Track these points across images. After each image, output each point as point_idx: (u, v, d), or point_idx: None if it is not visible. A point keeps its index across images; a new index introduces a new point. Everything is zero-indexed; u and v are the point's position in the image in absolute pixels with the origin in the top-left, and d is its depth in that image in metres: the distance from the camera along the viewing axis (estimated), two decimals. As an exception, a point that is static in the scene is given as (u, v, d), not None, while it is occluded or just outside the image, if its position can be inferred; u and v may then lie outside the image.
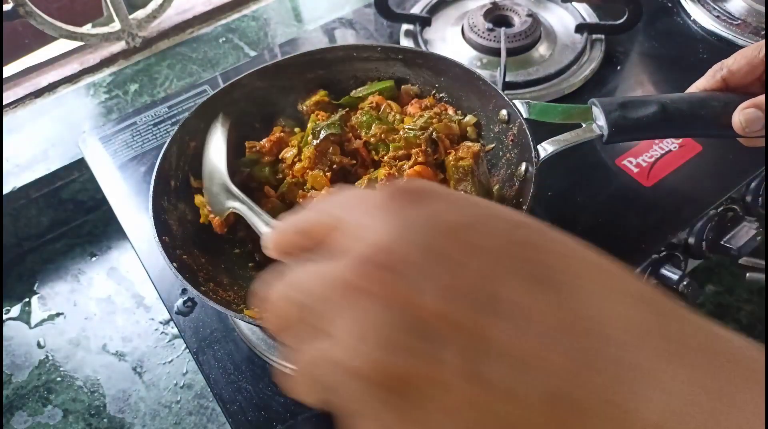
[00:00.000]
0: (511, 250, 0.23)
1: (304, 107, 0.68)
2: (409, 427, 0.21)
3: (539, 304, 0.21)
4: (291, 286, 0.25)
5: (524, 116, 0.58)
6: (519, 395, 0.20)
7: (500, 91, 0.61)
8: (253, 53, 0.96)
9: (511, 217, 0.24)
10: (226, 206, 0.55)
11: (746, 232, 0.69)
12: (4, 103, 0.90)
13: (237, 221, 0.59)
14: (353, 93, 0.69)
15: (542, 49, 0.85)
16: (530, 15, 0.85)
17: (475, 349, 0.21)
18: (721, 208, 0.69)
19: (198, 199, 0.61)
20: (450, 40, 0.88)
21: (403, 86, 0.69)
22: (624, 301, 0.22)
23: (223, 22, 1.02)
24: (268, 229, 0.48)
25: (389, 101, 0.67)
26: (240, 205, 0.53)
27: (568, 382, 0.20)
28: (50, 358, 0.73)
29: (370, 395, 0.22)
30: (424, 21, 0.89)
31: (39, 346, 0.74)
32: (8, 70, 0.93)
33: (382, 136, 0.61)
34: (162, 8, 0.95)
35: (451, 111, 0.66)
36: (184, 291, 0.65)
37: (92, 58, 0.95)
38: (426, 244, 0.22)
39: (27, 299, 0.79)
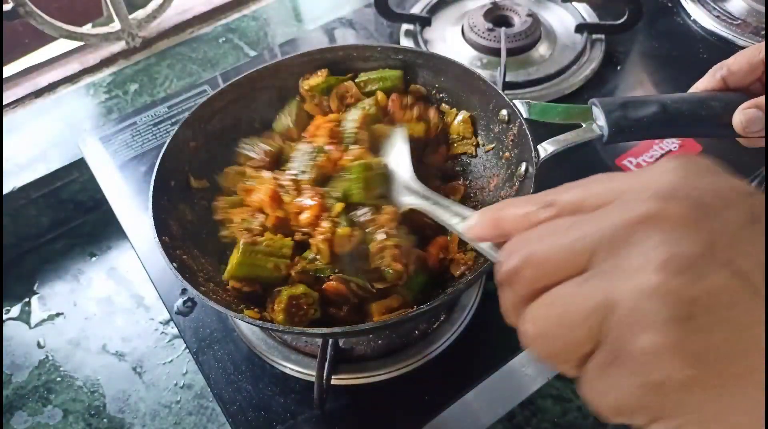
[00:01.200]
0: None
1: (302, 87, 0.67)
2: (715, 346, 0.21)
3: None
4: (544, 234, 0.25)
5: (524, 116, 0.58)
6: None
7: (500, 91, 0.61)
8: (253, 53, 0.96)
9: None
10: (406, 202, 0.53)
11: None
12: (4, 103, 0.90)
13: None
14: (361, 76, 0.68)
15: (542, 49, 0.85)
16: (530, 15, 0.85)
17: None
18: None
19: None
20: (450, 40, 0.88)
21: (411, 86, 0.68)
22: None
23: (223, 22, 1.02)
24: (466, 219, 0.40)
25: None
26: (419, 201, 0.50)
27: None
28: (50, 358, 0.73)
29: (658, 312, 0.21)
30: (424, 21, 0.89)
31: (39, 346, 0.74)
32: (8, 70, 0.93)
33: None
34: (162, 8, 0.95)
35: (433, 111, 0.66)
36: (184, 291, 0.65)
37: (92, 58, 0.95)
38: (734, 200, 0.23)
39: (27, 299, 0.79)
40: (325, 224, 0.54)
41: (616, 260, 0.22)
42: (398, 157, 0.58)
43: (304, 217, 0.56)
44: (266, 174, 0.60)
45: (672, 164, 0.25)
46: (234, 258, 0.55)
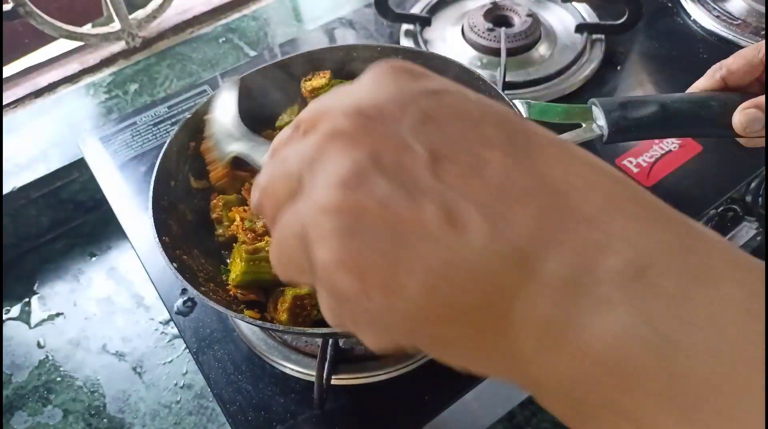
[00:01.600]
0: (495, 120, 0.23)
1: (305, 88, 0.67)
2: (375, 259, 0.21)
3: (516, 167, 0.21)
4: (274, 163, 0.25)
5: (524, 116, 0.58)
6: (489, 244, 0.20)
7: (500, 91, 0.61)
8: (253, 53, 0.96)
9: (499, 104, 0.25)
10: (228, 150, 0.53)
11: (746, 232, 0.69)
12: (4, 103, 0.90)
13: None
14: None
15: (542, 49, 0.85)
16: (530, 15, 0.85)
17: (454, 198, 0.21)
18: (721, 208, 0.69)
19: (206, 151, 0.60)
20: (450, 40, 0.88)
21: None
22: (597, 171, 0.22)
23: (223, 22, 1.02)
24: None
25: None
26: (242, 145, 0.50)
27: (535, 238, 0.20)
28: (50, 358, 0.73)
29: (327, 229, 0.21)
30: (424, 21, 0.89)
31: (39, 346, 0.74)
32: (8, 70, 0.93)
33: None
34: (162, 8, 0.95)
35: None
36: (184, 291, 0.65)
37: (92, 58, 0.95)
38: (409, 102, 0.23)
39: (27, 299, 0.79)
40: None
41: (310, 181, 0.22)
42: (223, 107, 0.58)
43: None
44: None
45: (368, 75, 0.25)
46: (237, 267, 0.54)
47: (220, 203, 0.61)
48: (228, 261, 0.60)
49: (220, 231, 0.60)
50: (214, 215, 0.61)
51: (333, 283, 0.22)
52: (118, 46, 0.96)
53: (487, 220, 0.20)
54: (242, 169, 0.62)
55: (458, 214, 0.20)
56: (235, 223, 0.59)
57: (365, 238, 0.21)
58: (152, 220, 0.53)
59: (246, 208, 0.60)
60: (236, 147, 0.52)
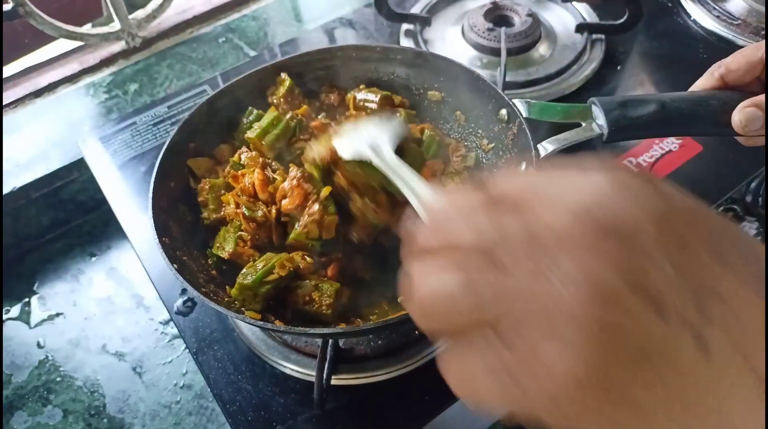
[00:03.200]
0: (738, 249, 0.22)
1: (275, 100, 0.67)
2: (618, 375, 0.20)
3: (751, 308, 0.21)
4: (456, 205, 0.24)
5: (524, 116, 0.58)
6: (741, 370, 0.20)
7: (500, 91, 0.61)
8: (253, 53, 0.96)
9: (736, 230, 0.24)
10: (364, 153, 0.51)
11: (746, 232, 0.69)
12: (4, 103, 0.90)
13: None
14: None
15: (542, 49, 0.85)
16: (530, 15, 0.85)
17: (702, 322, 0.20)
18: (721, 208, 0.69)
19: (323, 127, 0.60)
20: (450, 40, 0.88)
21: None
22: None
23: (223, 22, 1.02)
24: (427, 195, 0.39)
25: None
26: (381, 161, 0.48)
27: None
28: (50, 358, 0.73)
29: (583, 335, 0.20)
30: (424, 21, 0.89)
31: (39, 346, 0.74)
32: (8, 70, 0.93)
33: None
34: (162, 8, 0.95)
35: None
36: (184, 291, 0.65)
37: (92, 58, 0.95)
38: (659, 216, 0.21)
39: (27, 299, 0.79)
40: (315, 207, 0.56)
41: (531, 262, 0.21)
42: (383, 129, 0.56)
43: (290, 202, 0.57)
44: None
45: (600, 176, 0.23)
46: (245, 283, 0.55)
47: (207, 187, 0.62)
48: (209, 247, 0.60)
49: (205, 214, 0.61)
50: (200, 198, 0.62)
51: (566, 392, 0.21)
52: (118, 46, 0.96)
53: (737, 350, 0.20)
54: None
55: (709, 340, 0.20)
56: (230, 207, 0.59)
57: (621, 357, 0.20)
58: (152, 220, 0.53)
59: (239, 193, 0.60)
60: (374, 157, 0.50)
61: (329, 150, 0.55)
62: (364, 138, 0.54)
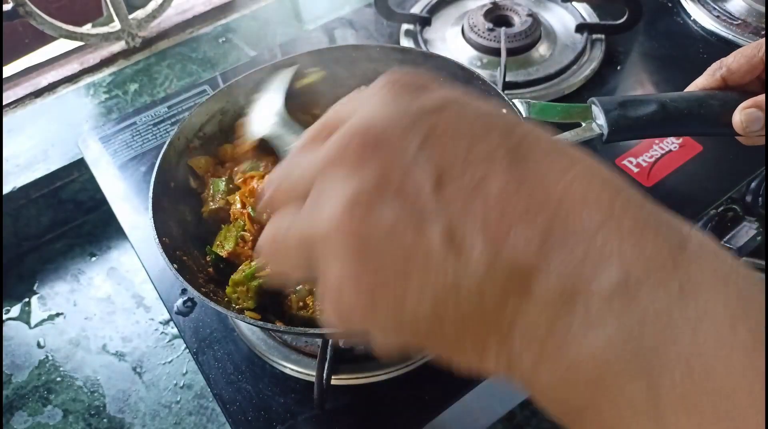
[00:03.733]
0: (498, 132, 0.23)
1: (240, 176, 0.64)
2: (383, 282, 0.23)
3: (518, 184, 0.22)
4: (291, 163, 0.27)
5: (524, 116, 0.58)
6: (490, 267, 0.21)
7: (500, 91, 0.61)
8: (253, 53, 0.96)
9: (500, 113, 0.25)
10: (260, 130, 0.54)
11: (746, 232, 0.69)
12: (4, 103, 0.90)
13: None
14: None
15: (542, 49, 0.85)
16: (530, 15, 0.85)
17: (457, 220, 0.22)
18: (721, 208, 0.69)
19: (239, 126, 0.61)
20: (450, 40, 0.88)
21: None
22: (598, 181, 0.23)
23: (223, 21, 1.02)
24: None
25: None
26: (276, 128, 0.50)
27: (532, 258, 0.21)
28: (50, 358, 0.73)
29: (340, 248, 0.23)
30: (424, 21, 0.89)
31: (39, 346, 0.74)
32: (8, 70, 0.93)
33: None
34: (162, 8, 0.95)
35: None
36: (184, 291, 0.65)
37: (92, 58, 0.95)
38: (410, 123, 0.23)
39: (27, 299, 0.79)
40: None
41: (319, 194, 0.24)
42: (274, 89, 0.58)
43: None
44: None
45: (373, 90, 0.25)
46: (236, 278, 0.55)
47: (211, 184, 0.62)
48: (208, 245, 0.60)
49: (205, 208, 0.61)
50: (204, 194, 0.62)
51: (341, 296, 0.23)
52: (118, 46, 0.96)
53: (488, 242, 0.21)
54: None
55: (461, 238, 0.21)
56: (236, 206, 0.59)
57: (374, 262, 0.22)
58: (152, 220, 0.53)
59: (248, 195, 0.60)
60: (270, 130, 0.52)
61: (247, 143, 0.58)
62: (261, 113, 0.56)
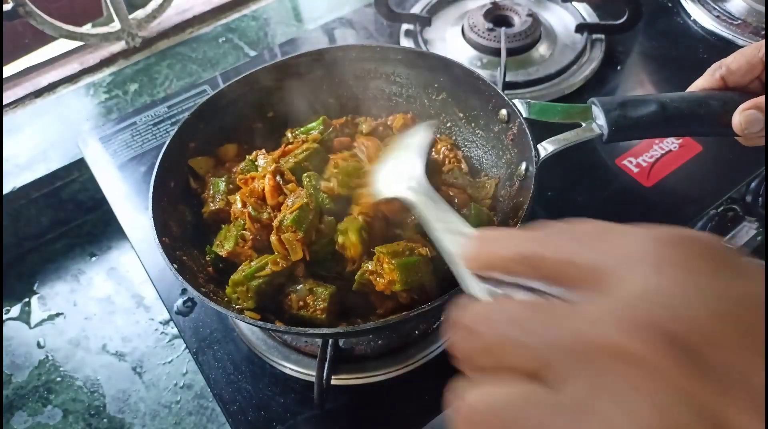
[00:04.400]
0: None
1: (241, 178, 0.63)
2: None
3: None
4: (505, 312, 0.21)
5: (524, 116, 0.58)
6: None
7: (500, 91, 0.61)
8: (253, 53, 0.96)
9: None
10: (396, 193, 0.47)
11: (746, 232, 0.69)
12: (4, 103, 0.90)
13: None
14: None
15: (542, 49, 0.85)
16: (530, 15, 0.85)
17: None
18: (721, 208, 0.69)
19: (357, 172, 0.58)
20: (450, 40, 0.88)
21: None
22: None
23: (223, 22, 1.02)
24: (464, 234, 0.35)
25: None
26: (418, 198, 0.43)
27: None
28: (50, 358, 0.73)
29: None
30: (424, 21, 0.89)
31: (39, 346, 0.74)
32: (8, 70, 0.93)
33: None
34: (162, 8, 0.95)
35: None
36: (184, 291, 0.65)
37: (92, 58, 0.95)
38: (743, 331, 0.18)
39: (27, 299, 0.79)
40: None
41: (582, 391, 0.19)
42: (414, 145, 0.54)
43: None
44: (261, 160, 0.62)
45: (654, 248, 0.20)
46: (236, 278, 0.55)
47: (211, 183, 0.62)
48: (208, 244, 0.59)
49: (205, 208, 0.62)
50: (204, 194, 0.62)
51: None
52: (118, 46, 0.96)
53: None
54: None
55: None
56: (236, 206, 0.59)
57: None
58: (152, 220, 0.53)
59: (248, 194, 0.60)
60: (407, 194, 0.45)
61: (369, 203, 0.55)
62: (397, 171, 0.51)
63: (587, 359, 0.19)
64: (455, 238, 0.34)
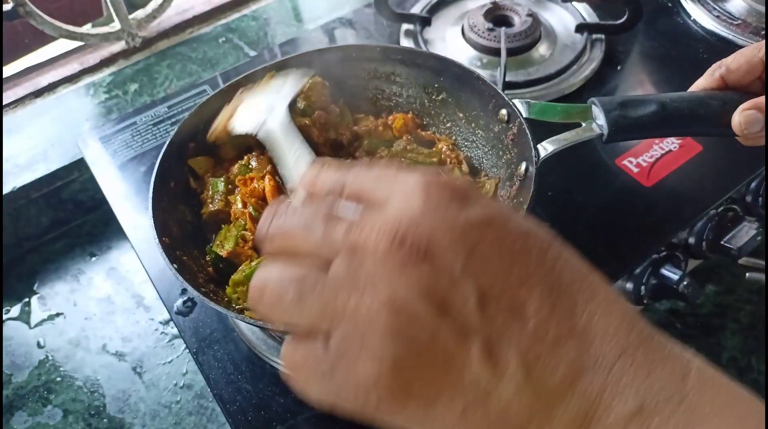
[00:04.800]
0: (536, 252, 0.26)
1: (240, 178, 0.64)
2: (420, 385, 0.24)
3: (552, 310, 0.25)
4: (306, 213, 0.27)
5: (524, 116, 0.58)
6: (521, 390, 0.24)
7: (500, 91, 0.61)
8: (253, 53, 0.96)
9: (541, 232, 0.27)
10: (254, 127, 0.53)
11: (746, 232, 0.69)
12: (4, 103, 0.90)
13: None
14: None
15: (542, 49, 0.85)
16: (530, 15, 0.85)
17: (497, 339, 0.24)
18: (721, 208, 0.69)
19: (225, 111, 0.60)
20: (450, 40, 0.88)
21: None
22: (618, 316, 0.25)
23: (223, 21, 1.02)
24: (300, 163, 0.43)
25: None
26: (274, 132, 0.50)
27: (559, 385, 0.24)
28: (50, 358, 0.73)
29: (379, 346, 0.24)
30: (424, 21, 0.89)
31: (39, 346, 0.74)
32: (8, 70, 0.93)
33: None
34: (162, 8, 0.95)
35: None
36: (184, 291, 0.65)
37: (92, 58, 0.95)
38: (458, 236, 0.25)
39: (27, 299, 0.79)
40: None
41: (353, 275, 0.25)
42: (281, 89, 0.58)
43: None
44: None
45: (415, 189, 0.26)
46: (236, 278, 0.55)
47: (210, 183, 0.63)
48: (208, 245, 0.60)
49: (204, 209, 0.62)
50: (203, 195, 0.62)
51: (370, 391, 0.24)
52: (118, 46, 0.96)
53: (521, 364, 0.24)
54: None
55: (497, 355, 0.24)
56: (237, 206, 0.59)
57: (413, 369, 0.24)
58: (152, 220, 0.53)
59: (248, 195, 0.60)
60: (266, 132, 0.52)
61: (222, 127, 0.58)
62: (261, 106, 0.56)
63: (355, 253, 0.25)
64: (300, 164, 0.42)
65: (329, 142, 0.65)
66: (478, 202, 0.27)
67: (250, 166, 0.62)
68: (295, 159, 0.45)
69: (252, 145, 0.62)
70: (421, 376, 0.24)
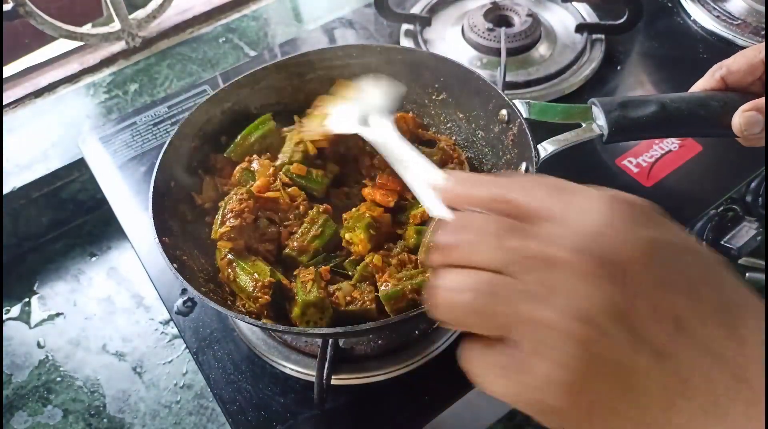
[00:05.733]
0: (713, 287, 0.27)
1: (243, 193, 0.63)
2: (599, 398, 0.25)
3: (725, 341, 0.25)
4: (478, 221, 0.28)
5: (524, 116, 0.58)
6: (702, 415, 0.25)
7: (500, 91, 0.61)
8: (253, 53, 0.96)
9: (713, 256, 0.28)
10: (364, 129, 0.52)
11: (746, 232, 0.69)
12: (4, 103, 0.90)
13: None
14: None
15: (542, 49, 0.85)
16: (530, 15, 0.85)
17: (687, 369, 0.25)
18: (721, 208, 0.69)
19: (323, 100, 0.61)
20: (450, 40, 0.88)
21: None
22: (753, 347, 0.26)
23: (223, 22, 1.02)
24: (434, 173, 0.41)
25: None
26: (393, 135, 0.49)
27: (711, 404, 0.25)
28: (50, 358, 0.73)
29: (565, 352, 0.25)
30: (424, 21, 0.89)
31: (39, 346, 0.74)
32: (8, 70, 0.93)
33: None
34: (162, 8, 0.95)
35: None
36: (184, 291, 0.65)
37: (92, 58, 0.95)
38: (654, 260, 0.26)
39: (27, 299, 0.79)
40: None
41: (542, 284, 0.26)
42: (376, 93, 0.58)
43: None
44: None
45: (608, 207, 0.27)
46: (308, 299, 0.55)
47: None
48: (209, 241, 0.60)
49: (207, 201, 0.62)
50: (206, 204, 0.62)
51: (547, 393, 0.25)
52: (118, 46, 0.96)
53: (707, 392, 0.24)
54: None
55: (688, 382, 0.25)
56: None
57: (596, 382, 0.25)
58: (152, 220, 0.53)
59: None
60: (378, 136, 0.50)
61: (321, 132, 0.58)
62: (357, 110, 0.55)
63: (540, 265, 0.26)
64: (424, 174, 0.41)
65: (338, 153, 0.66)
66: (662, 224, 0.28)
67: (252, 169, 0.62)
68: (420, 168, 0.43)
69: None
70: (604, 391, 0.25)
